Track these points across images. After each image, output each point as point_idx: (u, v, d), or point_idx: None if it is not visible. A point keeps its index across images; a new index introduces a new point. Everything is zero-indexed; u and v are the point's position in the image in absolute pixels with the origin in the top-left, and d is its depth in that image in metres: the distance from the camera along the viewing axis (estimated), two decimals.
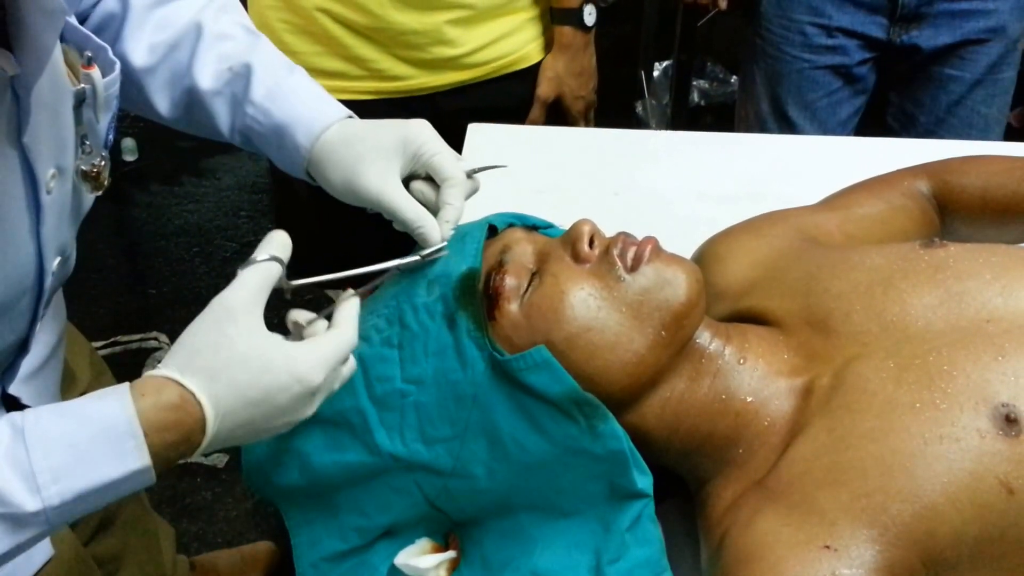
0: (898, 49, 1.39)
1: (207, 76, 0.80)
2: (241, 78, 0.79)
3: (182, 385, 0.57)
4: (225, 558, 1.57)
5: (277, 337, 0.61)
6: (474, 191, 0.77)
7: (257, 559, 1.58)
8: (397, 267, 0.72)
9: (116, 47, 0.81)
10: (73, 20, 0.70)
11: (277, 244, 0.64)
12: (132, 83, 0.82)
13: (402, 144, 0.74)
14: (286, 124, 0.77)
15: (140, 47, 0.81)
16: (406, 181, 0.75)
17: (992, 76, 1.39)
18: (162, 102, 0.82)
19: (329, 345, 0.62)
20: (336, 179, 0.75)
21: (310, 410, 0.61)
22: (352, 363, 0.65)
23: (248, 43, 0.81)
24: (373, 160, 0.73)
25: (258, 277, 0.61)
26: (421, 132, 0.74)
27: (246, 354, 0.58)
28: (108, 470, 0.55)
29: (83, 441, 0.55)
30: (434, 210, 0.74)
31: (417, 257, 0.72)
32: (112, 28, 0.82)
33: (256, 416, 0.59)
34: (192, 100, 0.81)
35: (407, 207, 0.72)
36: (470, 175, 0.76)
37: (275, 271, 0.62)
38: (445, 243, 0.72)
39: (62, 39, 0.68)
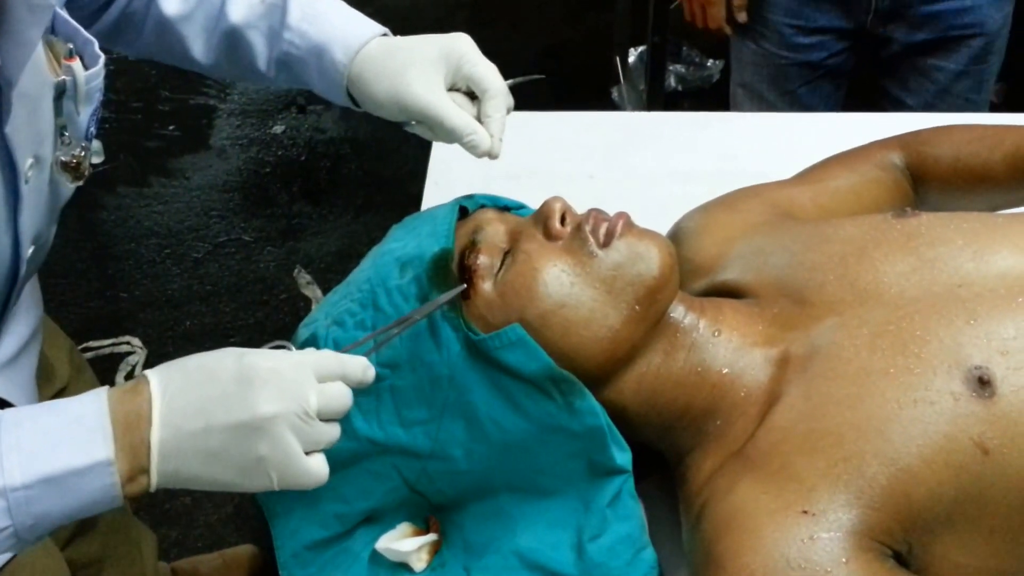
0: (878, 38, 1.39)
1: (240, 11, 0.82)
2: (276, 8, 0.81)
3: (144, 375, 0.58)
4: (207, 563, 1.56)
5: None
6: (510, 107, 0.77)
7: (239, 563, 1.57)
8: (415, 315, 0.68)
9: (150, 3, 0.83)
10: (64, 13, 0.70)
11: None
12: (170, 35, 0.84)
13: (445, 55, 0.74)
14: (324, 44, 0.78)
15: None
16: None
17: (976, 67, 1.39)
18: (200, 49, 0.84)
19: (289, 354, 0.60)
20: (380, 90, 0.75)
21: (259, 407, 0.56)
22: (343, 394, 0.60)
23: None
24: (418, 70, 0.74)
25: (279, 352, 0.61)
26: (462, 44, 0.75)
27: (208, 354, 0.59)
28: (73, 457, 0.55)
29: (54, 428, 0.55)
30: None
31: (438, 301, 0.67)
32: None
33: (201, 403, 0.57)
34: (230, 41, 0.83)
35: (456, 115, 0.73)
36: (510, 88, 0.77)
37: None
38: (464, 286, 0.68)
39: (52, 30, 0.69)
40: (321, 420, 0.58)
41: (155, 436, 0.56)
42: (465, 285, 0.69)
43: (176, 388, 0.57)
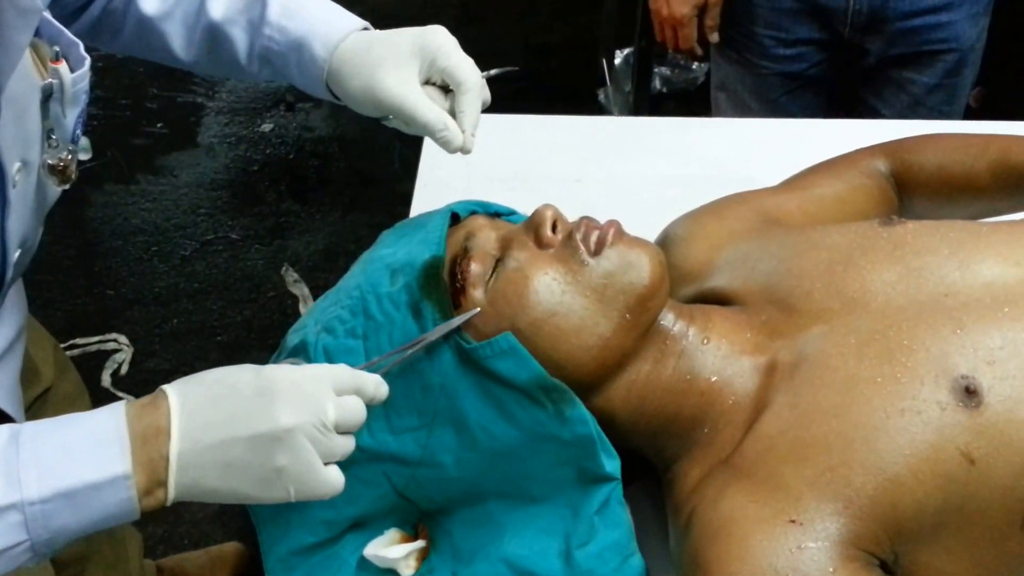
0: (856, 49, 1.40)
1: (220, 7, 0.82)
2: (256, 3, 0.81)
3: (162, 390, 0.58)
4: (193, 560, 1.55)
5: None
6: (486, 102, 0.77)
7: (225, 560, 1.56)
8: (427, 337, 0.68)
9: (129, 1, 0.83)
10: (47, 14, 0.70)
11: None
12: (151, 33, 0.84)
13: (420, 49, 0.74)
14: (303, 38, 0.78)
15: None
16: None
17: (950, 80, 1.40)
18: (181, 46, 0.84)
19: (307, 368, 0.61)
20: (355, 86, 0.75)
21: (280, 419, 0.57)
22: (359, 407, 0.61)
23: None
24: (393, 65, 0.74)
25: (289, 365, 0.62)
26: (438, 37, 0.75)
27: (225, 369, 0.59)
28: (90, 471, 0.55)
29: (72, 442, 0.55)
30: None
31: (452, 323, 0.67)
32: None
33: (222, 416, 0.57)
34: (210, 36, 0.82)
35: (428, 110, 0.72)
36: (485, 80, 0.76)
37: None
38: (478, 310, 0.68)
39: (36, 33, 0.69)
40: (337, 432, 0.59)
41: (174, 449, 0.56)
42: (478, 310, 0.68)
43: (195, 401, 0.57)
